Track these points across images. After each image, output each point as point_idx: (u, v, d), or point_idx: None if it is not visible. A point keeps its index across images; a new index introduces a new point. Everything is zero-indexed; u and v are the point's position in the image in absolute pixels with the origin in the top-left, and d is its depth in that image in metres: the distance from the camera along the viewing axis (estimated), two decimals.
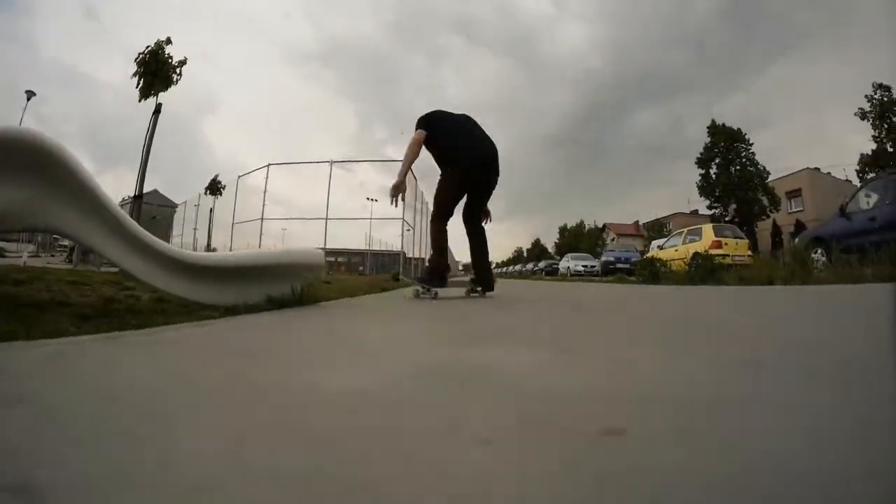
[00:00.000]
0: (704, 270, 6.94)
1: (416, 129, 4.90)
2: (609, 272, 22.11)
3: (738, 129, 40.27)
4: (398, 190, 4.87)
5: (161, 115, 8.88)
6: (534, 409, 0.94)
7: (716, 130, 40.71)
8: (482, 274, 4.97)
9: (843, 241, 8.67)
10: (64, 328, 2.02)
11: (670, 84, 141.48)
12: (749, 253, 14.56)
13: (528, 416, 0.89)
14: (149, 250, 2.65)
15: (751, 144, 39.78)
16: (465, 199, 4.95)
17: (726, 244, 14.34)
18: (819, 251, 9.49)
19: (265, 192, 18.57)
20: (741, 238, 15.24)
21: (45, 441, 0.76)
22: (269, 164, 18.67)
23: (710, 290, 5.70)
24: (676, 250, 15.88)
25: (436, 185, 4.94)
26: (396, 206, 4.99)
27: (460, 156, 4.80)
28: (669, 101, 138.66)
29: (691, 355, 1.51)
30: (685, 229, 16.96)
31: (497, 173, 5.00)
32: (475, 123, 5.13)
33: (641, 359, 1.46)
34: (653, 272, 8.58)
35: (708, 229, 15.27)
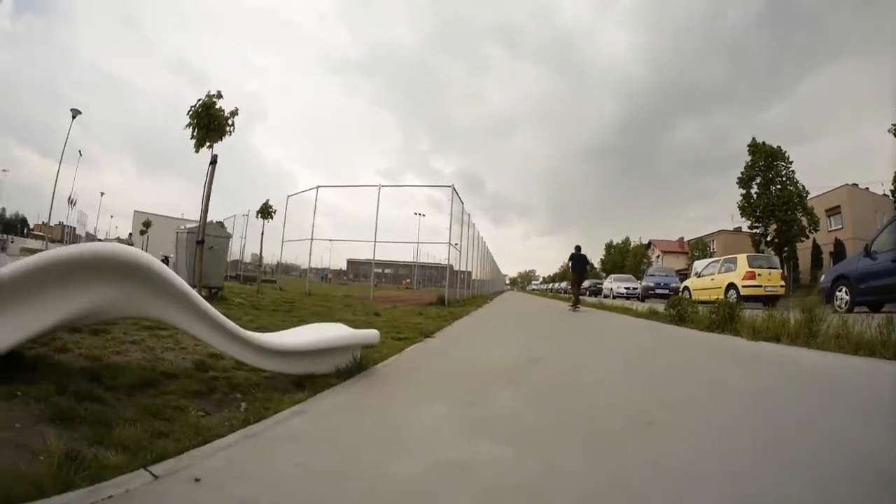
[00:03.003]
0: (722, 317, 7.21)
1: (569, 259, 16.46)
2: (648, 296, 22.71)
3: (778, 147, 39.68)
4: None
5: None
6: None
7: (756, 149, 40.17)
8: (577, 300, 15.87)
9: (864, 282, 8.85)
10: (205, 425, 2.39)
11: (708, 94, 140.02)
12: (782, 283, 14.73)
13: None
14: (227, 332, 3.18)
15: (790, 163, 39.19)
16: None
17: (759, 275, 14.63)
18: (843, 289, 9.64)
19: (314, 213, 19.47)
20: (775, 268, 15.49)
21: None
22: (318, 187, 19.70)
23: (712, 342, 6.26)
24: (713, 279, 16.20)
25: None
26: None
27: (573, 268, 16.17)
28: (708, 112, 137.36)
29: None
30: (722, 258, 17.34)
31: (583, 265, 16.49)
32: (580, 253, 16.05)
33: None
34: (679, 313, 8.80)
35: (742, 259, 15.52)
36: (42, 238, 46.66)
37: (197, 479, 1.77)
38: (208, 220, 10.45)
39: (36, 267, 2.60)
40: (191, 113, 9.30)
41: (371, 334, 4.00)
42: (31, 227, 71.80)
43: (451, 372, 4.34)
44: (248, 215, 25.17)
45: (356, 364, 3.72)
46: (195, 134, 9.34)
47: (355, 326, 4.41)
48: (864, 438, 2.23)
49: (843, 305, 9.86)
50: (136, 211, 52.02)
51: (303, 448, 2.18)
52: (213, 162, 9.42)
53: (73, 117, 22.68)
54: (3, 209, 69.99)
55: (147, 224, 34.84)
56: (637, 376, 4.22)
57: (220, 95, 9.62)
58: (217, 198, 9.57)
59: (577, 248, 16.11)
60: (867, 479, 1.76)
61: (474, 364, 4.75)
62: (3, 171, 63.00)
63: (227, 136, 9.71)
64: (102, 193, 56.72)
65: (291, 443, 2.23)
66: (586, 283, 41.05)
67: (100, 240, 61.98)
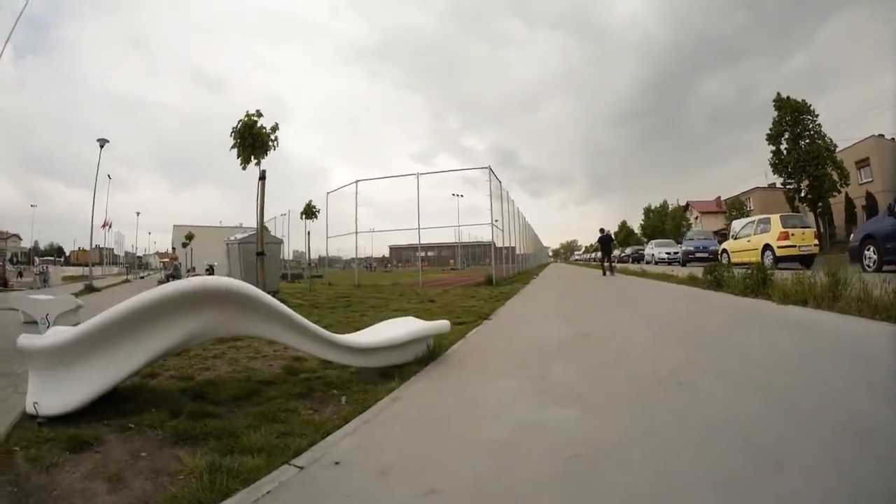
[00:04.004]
0: (756, 282, 7.56)
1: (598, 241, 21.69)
2: (689, 261, 22.93)
3: (803, 101, 38.85)
4: None
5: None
6: None
7: (781, 104, 39.39)
8: (612, 267, 19.44)
9: (890, 242, 9.03)
10: (319, 420, 2.79)
11: (729, 47, 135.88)
12: (815, 242, 14.93)
13: None
14: (317, 338, 3.61)
15: (816, 116, 38.41)
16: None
17: (793, 234, 14.83)
18: (871, 249, 9.83)
19: (356, 207, 19.87)
20: (808, 227, 15.70)
21: None
22: (357, 181, 19.88)
23: (743, 307, 6.69)
24: (749, 241, 16.44)
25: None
26: None
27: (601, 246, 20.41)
28: (731, 66, 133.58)
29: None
30: (756, 219, 17.40)
31: (608, 243, 20.22)
32: (605, 234, 20.18)
33: None
34: (716, 279, 9.06)
35: (776, 220, 15.66)
36: (78, 265, 48.84)
37: (337, 463, 2.14)
38: (254, 227, 11.11)
39: (137, 308, 2.93)
40: (233, 133, 9.95)
41: (443, 325, 4.52)
42: (67, 254, 74.85)
43: (513, 350, 4.83)
44: (287, 215, 25.95)
45: (430, 352, 4.28)
46: (241, 153, 9.94)
47: (416, 316, 4.93)
48: (862, 400, 2.58)
49: (871, 265, 10.02)
50: (175, 225, 53.49)
51: (409, 425, 2.74)
52: (263, 177, 9.95)
53: (101, 146, 23.56)
54: (36, 242, 73.48)
55: (189, 237, 35.85)
56: (671, 343, 4.71)
57: (259, 114, 10.08)
58: (255, 202, 10.17)
59: (602, 230, 20.42)
60: (857, 435, 2.10)
61: (531, 342, 5.21)
62: (32, 206, 66.37)
63: (271, 151, 10.22)
64: (139, 213, 58.53)
65: (399, 422, 2.77)
66: (628, 251, 43.20)
67: (139, 257, 64.06)
